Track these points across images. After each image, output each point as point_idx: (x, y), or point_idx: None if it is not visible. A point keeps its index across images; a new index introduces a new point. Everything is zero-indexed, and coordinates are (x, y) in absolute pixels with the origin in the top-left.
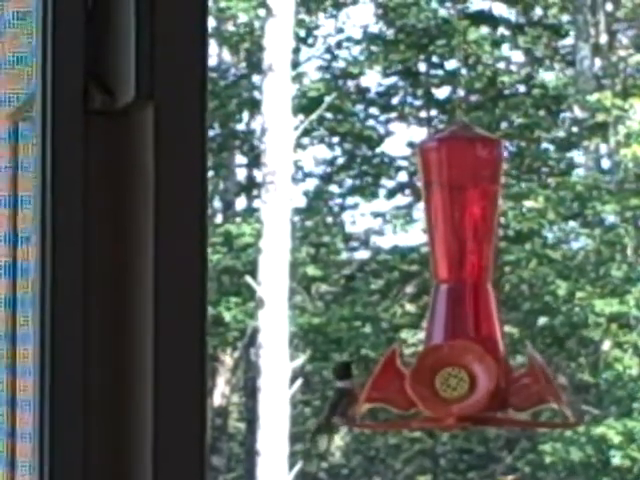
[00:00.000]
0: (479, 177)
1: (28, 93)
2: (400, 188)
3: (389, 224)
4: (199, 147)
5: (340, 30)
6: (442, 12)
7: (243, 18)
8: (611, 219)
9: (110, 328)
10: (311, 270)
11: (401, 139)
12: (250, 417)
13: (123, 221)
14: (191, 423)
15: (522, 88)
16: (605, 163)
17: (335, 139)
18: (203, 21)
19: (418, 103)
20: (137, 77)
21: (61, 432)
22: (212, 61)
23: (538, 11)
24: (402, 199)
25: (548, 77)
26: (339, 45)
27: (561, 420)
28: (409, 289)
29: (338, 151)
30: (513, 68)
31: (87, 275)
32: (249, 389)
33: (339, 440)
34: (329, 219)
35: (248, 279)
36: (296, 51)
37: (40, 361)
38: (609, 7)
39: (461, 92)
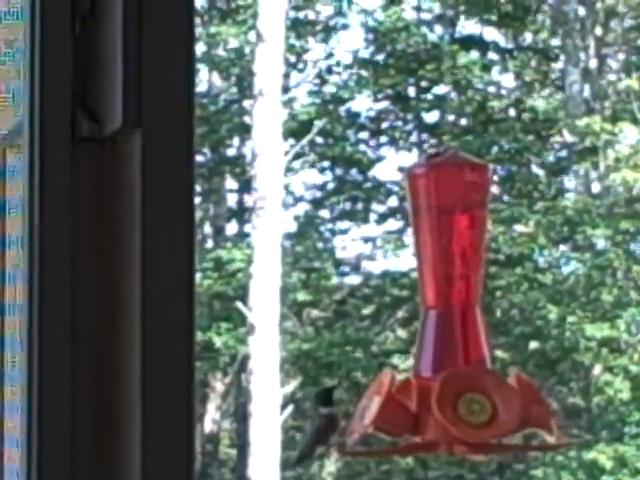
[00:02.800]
0: (468, 202)
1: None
2: (391, 213)
3: (380, 249)
4: (186, 174)
5: (330, 55)
6: (432, 37)
7: (233, 43)
8: (601, 243)
9: (97, 352)
10: (302, 295)
11: (391, 164)
12: (241, 443)
13: (111, 248)
14: (179, 446)
15: (512, 112)
16: (595, 187)
17: (326, 164)
18: (190, 49)
19: (408, 127)
20: (124, 105)
21: (47, 460)
22: (202, 86)
23: (528, 36)
24: (393, 224)
25: (538, 102)
26: (329, 70)
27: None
28: (400, 314)
29: (329, 176)
30: (503, 92)
31: (75, 302)
32: (240, 415)
33: (331, 466)
34: (320, 244)
35: (239, 305)
36: (286, 76)
37: (28, 369)
38: (599, 31)
39: (451, 117)
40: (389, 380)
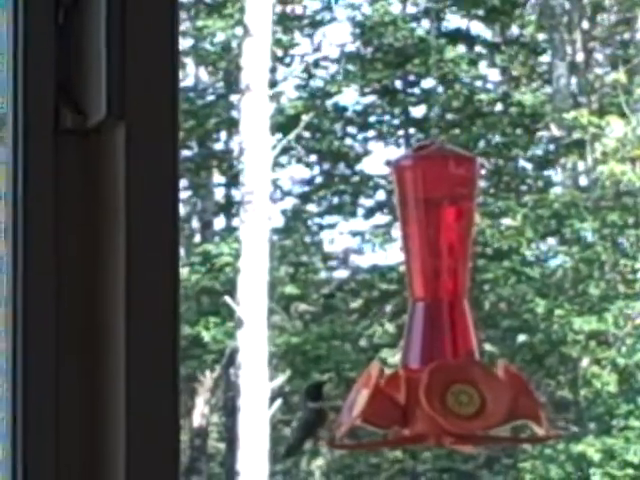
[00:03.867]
0: (455, 195)
1: None
2: (379, 207)
3: (368, 243)
4: (171, 166)
5: (317, 49)
6: (419, 31)
7: (220, 37)
8: (589, 237)
9: (81, 347)
10: (290, 289)
11: (379, 157)
12: (230, 437)
13: (95, 240)
14: (164, 442)
15: (499, 106)
16: (582, 181)
17: (313, 158)
18: (174, 40)
19: (396, 122)
20: (108, 96)
21: (33, 455)
22: (189, 81)
23: (515, 30)
24: (381, 218)
25: (525, 95)
26: (316, 64)
27: (535, 435)
28: (388, 308)
29: (316, 170)
30: (490, 86)
31: (59, 295)
32: (228, 409)
33: (320, 460)
34: (308, 238)
35: (227, 299)
36: (273, 70)
37: (12, 373)
38: (585, 25)
39: (438, 110)
40: (377, 373)
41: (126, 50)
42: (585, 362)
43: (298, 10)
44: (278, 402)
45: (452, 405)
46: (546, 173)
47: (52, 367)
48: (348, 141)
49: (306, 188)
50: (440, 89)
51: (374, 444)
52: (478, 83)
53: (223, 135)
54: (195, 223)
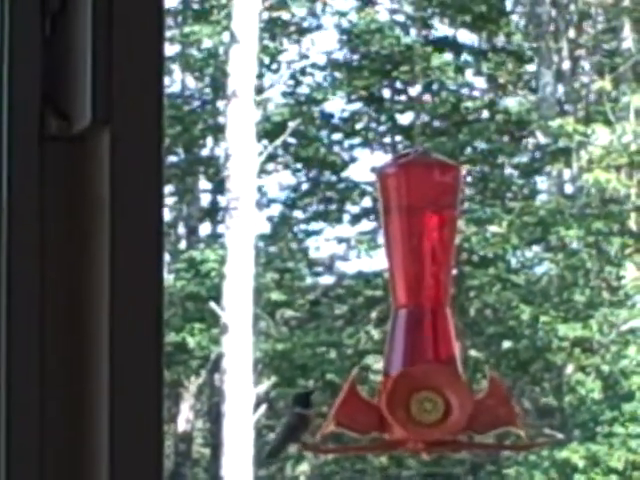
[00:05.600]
0: (438, 202)
1: None
2: (364, 213)
3: (353, 249)
4: (155, 172)
5: (304, 56)
6: (406, 39)
7: (207, 44)
8: (574, 244)
9: (65, 352)
10: (275, 296)
11: (365, 165)
12: (214, 442)
13: (80, 246)
14: (148, 447)
15: (485, 114)
16: (568, 188)
17: (299, 165)
18: (159, 46)
19: (382, 129)
20: (93, 102)
21: (17, 462)
22: (176, 87)
23: (501, 38)
24: (366, 224)
25: (511, 103)
26: (303, 71)
27: (519, 442)
28: (374, 314)
29: (302, 177)
30: (476, 94)
31: (42, 302)
32: (213, 414)
33: (304, 465)
34: (293, 245)
35: (212, 305)
36: (260, 77)
37: None
38: (572, 34)
39: (425, 118)
40: (352, 378)
41: (111, 57)
42: (570, 369)
43: (285, 17)
44: (263, 408)
45: (415, 412)
46: (532, 180)
47: (35, 372)
48: (334, 148)
49: (292, 195)
50: (426, 96)
51: (354, 449)
52: (464, 91)
53: (209, 141)
54: (181, 229)
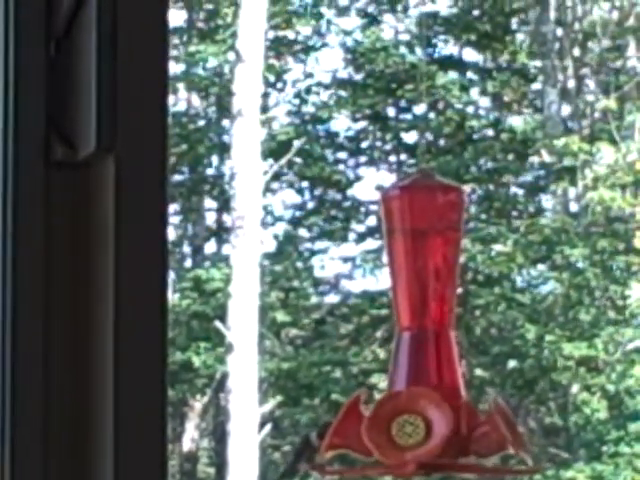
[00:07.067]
0: (441, 224)
1: None
2: (369, 232)
3: (359, 268)
4: (160, 198)
5: (309, 75)
6: (410, 57)
7: (212, 63)
8: (579, 263)
9: (70, 372)
10: (281, 315)
11: (370, 183)
12: (219, 462)
13: (85, 271)
14: (153, 468)
15: (490, 132)
16: (573, 207)
17: (304, 183)
18: (164, 72)
19: (387, 147)
20: (98, 129)
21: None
22: (181, 105)
23: (506, 56)
24: (372, 243)
25: (516, 122)
26: (308, 90)
27: (522, 466)
28: (379, 333)
29: (307, 195)
30: (481, 112)
31: (47, 328)
32: (218, 434)
33: None
34: (299, 263)
35: (218, 324)
36: (265, 96)
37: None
38: (577, 52)
39: (429, 136)
40: (352, 399)
41: (116, 83)
42: (575, 388)
43: (290, 36)
44: (268, 427)
45: (395, 435)
46: (537, 199)
47: (40, 391)
48: (339, 167)
49: (297, 213)
50: (432, 115)
51: (358, 470)
52: (469, 109)
53: (215, 160)
54: (186, 248)
